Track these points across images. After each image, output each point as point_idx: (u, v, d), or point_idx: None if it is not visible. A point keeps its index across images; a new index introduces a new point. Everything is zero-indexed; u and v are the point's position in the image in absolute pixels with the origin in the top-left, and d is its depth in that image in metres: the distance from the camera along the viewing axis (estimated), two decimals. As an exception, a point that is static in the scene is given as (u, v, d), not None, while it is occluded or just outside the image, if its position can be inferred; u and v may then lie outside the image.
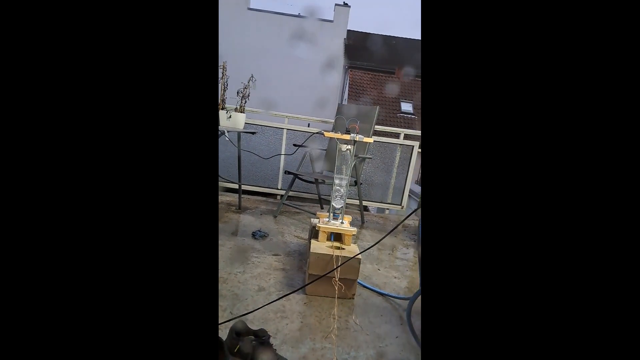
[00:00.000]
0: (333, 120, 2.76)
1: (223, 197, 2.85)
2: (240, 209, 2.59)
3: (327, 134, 1.59)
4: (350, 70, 11.48)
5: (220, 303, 1.25)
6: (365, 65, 11.51)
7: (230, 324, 0.97)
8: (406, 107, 11.02)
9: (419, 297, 1.25)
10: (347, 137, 1.53)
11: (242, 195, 2.68)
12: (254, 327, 0.99)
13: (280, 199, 2.70)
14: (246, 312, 1.17)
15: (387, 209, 3.29)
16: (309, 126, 3.38)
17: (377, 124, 2.59)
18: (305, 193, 3.11)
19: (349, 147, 1.51)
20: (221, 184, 2.98)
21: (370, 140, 1.61)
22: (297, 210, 2.74)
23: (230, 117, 2.35)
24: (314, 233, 1.55)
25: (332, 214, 1.57)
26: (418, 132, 3.23)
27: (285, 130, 3.07)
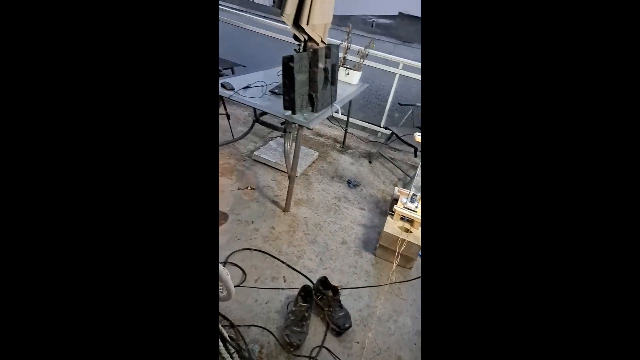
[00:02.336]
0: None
1: (331, 131, 3.31)
2: (343, 147, 3.04)
3: (417, 138, 1.83)
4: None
5: (314, 248, 1.83)
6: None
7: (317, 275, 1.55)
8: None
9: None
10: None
11: (348, 131, 3.09)
12: (332, 280, 1.55)
13: (380, 136, 3.05)
14: (331, 265, 1.74)
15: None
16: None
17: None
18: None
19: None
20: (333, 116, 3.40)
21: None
22: (392, 157, 3.09)
23: (347, 74, 2.63)
24: (392, 205, 1.96)
25: (410, 197, 1.94)
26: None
27: (397, 76, 3.21)
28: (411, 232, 1.84)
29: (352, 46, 2.70)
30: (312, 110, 1.90)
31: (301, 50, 2.08)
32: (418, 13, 9.19)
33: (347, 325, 1.39)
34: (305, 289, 1.47)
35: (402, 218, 1.90)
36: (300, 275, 1.64)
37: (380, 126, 3.46)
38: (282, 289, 1.54)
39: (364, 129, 3.54)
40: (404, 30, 7.22)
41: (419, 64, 3.24)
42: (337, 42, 2.46)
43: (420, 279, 1.76)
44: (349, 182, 2.51)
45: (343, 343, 1.37)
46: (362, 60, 2.69)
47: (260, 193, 2.18)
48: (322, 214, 2.11)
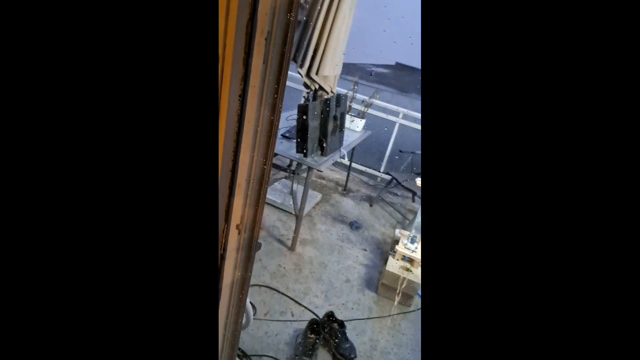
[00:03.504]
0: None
1: (333, 175, 3.54)
2: (345, 190, 3.26)
3: (418, 183, 2.05)
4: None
5: (319, 286, 1.97)
6: None
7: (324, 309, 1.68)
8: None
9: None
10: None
11: (350, 175, 3.32)
12: (339, 316, 1.68)
13: (380, 181, 3.27)
14: (335, 302, 1.88)
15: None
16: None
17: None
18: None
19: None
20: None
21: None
22: (391, 201, 3.30)
23: (352, 121, 2.90)
24: (393, 246, 2.13)
25: (410, 238, 2.12)
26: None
27: (397, 124, 3.51)
28: (411, 271, 1.99)
29: (357, 95, 3.00)
30: (322, 154, 2.13)
31: (311, 99, 2.35)
32: (415, 64, 9.84)
33: (352, 356, 1.51)
34: (313, 322, 1.60)
35: (403, 258, 2.06)
36: (307, 311, 1.77)
37: (380, 171, 3.70)
38: (291, 321, 1.67)
39: (363, 173, 3.78)
40: (402, 80, 7.73)
41: (417, 114, 3.55)
42: (344, 91, 2.75)
43: (418, 311, 1.89)
44: (351, 224, 2.68)
45: (349, 374, 1.48)
46: (366, 109, 2.97)
47: (267, 232, 2.34)
48: (327, 254, 2.26)
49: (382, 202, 3.23)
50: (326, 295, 1.91)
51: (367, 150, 3.71)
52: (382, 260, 2.31)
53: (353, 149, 2.92)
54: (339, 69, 2.45)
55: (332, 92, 2.40)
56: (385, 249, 2.46)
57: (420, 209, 2.05)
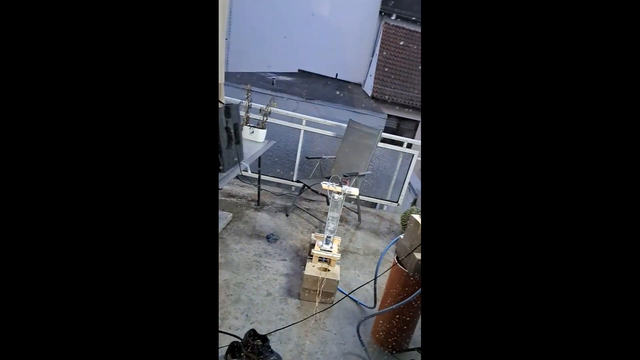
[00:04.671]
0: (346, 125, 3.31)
1: (244, 191, 3.53)
2: (259, 204, 3.27)
3: (324, 186, 2.16)
4: (385, 24, 11.31)
5: (238, 307, 1.96)
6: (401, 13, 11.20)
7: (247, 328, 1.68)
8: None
9: (372, 312, 1.90)
10: (339, 189, 2.11)
11: (262, 188, 3.35)
12: (262, 331, 1.70)
13: (294, 190, 3.35)
14: (258, 319, 1.88)
15: (385, 205, 3.91)
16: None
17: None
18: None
19: (340, 196, 2.10)
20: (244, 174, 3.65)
21: (356, 193, 2.18)
22: (307, 207, 3.40)
23: (252, 132, 2.94)
24: (310, 250, 2.21)
25: (324, 240, 2.21)
26: (419, 142, 3.71)
27: (302, 131, 3.63)
28: (329, 270, 2.08)
29: (254, 104, 3.03)
30: (219, 170, 2.13)
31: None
32: (317, 70, 10.21)
33: (278, 367, 1.53)
34: (233, 345, 1.59)
35: (320, 259, 2.15)
36: (227, 336, 1.75)
37: (293, 180, 3.79)
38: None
39: (278, 184, 3.84)
40: (306, 87, 8.00)
41: (321, 120, 3.72)
42: (238, 101, 2.77)
43: (339, 304, 1.99)
44: (268, 238, 2.71)
45: (277, 385, 1.50)
46: (265, 118, 3.02)
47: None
48: (244, 273, 2.26)
49: (298, 210, 3.31)
50: (247, 314, 1.90)
51: (277, 161, 3.78)
52: (302, 267, 2.37)
53: (259, 161, 2.96)
54: (221, 77, 2.44)
55: (221, 102, 2.40)
56: (305, 255, 2.53)
57: (329, 209, 2.16)
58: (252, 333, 1.66)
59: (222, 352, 1.62)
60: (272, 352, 1.61)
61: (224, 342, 1.70)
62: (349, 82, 11.08)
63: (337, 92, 8.77)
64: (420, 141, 3.71)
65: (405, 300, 1.54)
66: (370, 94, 10.04)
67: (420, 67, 10.39)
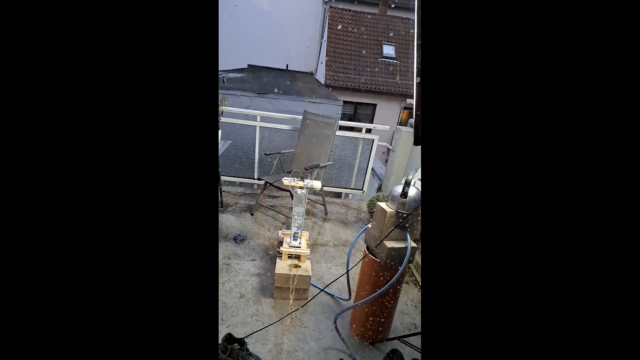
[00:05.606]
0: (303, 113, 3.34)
1: (206, 194, 3.49)
2: (222, 206, 3.25)
3: (285, 182, 2.19)
4: (330, 8, 11.37)
5: (214, 311, 1.97)
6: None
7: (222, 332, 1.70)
8: (388, 50, 11.13)
9: (347, 306, 1.98)
10: (301, 184, 2.16)
11: (223, 190, 3.33)
12: (238, 334, 1.72)
13: (257, 188, 3.35)
14: (233, 322, 1.90)
15: (350, 193, 4.01)
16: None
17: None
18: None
19: (303, 190, 2.15)
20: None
21: (319, 186, 2.23)
22: (271, 204, 3.42)
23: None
24: (279, 247, 2.25)
25: (292, 236, 2.26)
26: (378, 126, 3.82)
27: (257, 128, 3.63)
28: (300, 266, 2.13)
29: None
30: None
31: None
32: (266, 63, 10.14)
33: (259, 368, 1.57)
34: (211, 351, 1.61)
35: (290, 256, 2.19)
36: (204, 341, 1.76)
37: (254, 178, 3.79)
38: None
39: (240, 184, 3.82)
40: (257, 82, 7.93)
41: (276, 114, 3.72)
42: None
43: (313, 300, 2.05)
44: (235, 239, 2.71)
45: (259, 385, 1.54)
46: (218, 118, 3.00)
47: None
48: (214, 277, 2.26)
49: (262, 208, 3.33)
50: (221, 319, 1.92)
51: (236, 160, 3.76)
52: (272, 265, 2.40)
53: (217, 162, 2.94)
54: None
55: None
56: (274, 253, 2.56)
57: (294, 205, 2.19)
58: (229, 337, 1.68)
59: None
60: (250, 354, 1.65)
61: (201, 350, 1.71)
62: (300, 72, 11.09)
63: (288, 83, 8.76)
64: (380, 125, 3.83)
65: (380, 290, 1.60)
66: (323, 82, 10.10)
67: (364, 51, 10.53)
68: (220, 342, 1.70)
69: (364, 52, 10.75)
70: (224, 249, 2.59)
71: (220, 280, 2.23)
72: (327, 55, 10.40)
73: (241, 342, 1.67)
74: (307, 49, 11.26)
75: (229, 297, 2.09)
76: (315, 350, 1.76)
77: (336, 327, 1.85)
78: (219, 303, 2.03)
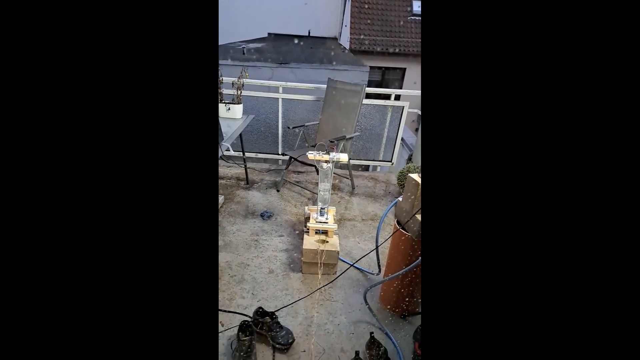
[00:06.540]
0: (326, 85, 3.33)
1: (231, 171, 3.59)
2: (248, 183, 3.34)
3: (310, 156, 2.21)
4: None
5: (244, 287, 2.07)
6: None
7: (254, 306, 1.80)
8: (419, 7, 10.63)
9: (380, 278, 2.03)
10: (326, 158, 2.18)
11: (249, 167, 3.41)
12: (269, 307, 1.82)
13: (282, 163, 3.41)
14: (264, 296, 2.00)
15: (378, 166, 3.99)
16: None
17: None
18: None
19: (329, 165, 2.18)
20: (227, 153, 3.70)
21: (345, 159, 2.24)
22: (297, 180, 3.48)
23: (229, 109, 2.95)
24: (305, 223, 2.31)
25: (319, 212, 2.31)
26: (408, 92, 3.75)
27: (280, 100, 3.64)
28: (327, 241, 2.19)
29: (225, 79, 2.99)
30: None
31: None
32: (287, 31, 9.98)
33: (290, 341, 1.66)
34: (243, 324, 1.71)
35: (317, 232, 2.25)
36: (237, 315, 1.87)
37: (279, 153, 3.84)
38: (222, 332, 1.76)
39: (265, 160, 3.89)
40: (278, 51, 7.86)
41: (299, 84, 3.71)
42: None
43: (343, 275, 2.12)
44: (262, 215, 2.80)
45: (291, 356, 1.64)
46: (239, 92, 3.01)
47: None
48: (244, 253, 2.36)
49: (288, 184, 3.39)
50: (252, 293, 2.02)
51: (260, 136, 3.82)
52: (300, 241, 2.48)
53: (241, 137, 3.00)
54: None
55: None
56: (301, 229, 2.63)
57: (319, 180, 2.23)
58: (260, 311, 1.78)
59: (233, 331, 1.74)
60: (281, 327, 1.74)
61: (235, 321, 1.82)
62: (323, 38, 10.86)
63: (311, 49, 8.62)
64: (409, 91, 3.75)
65: (412, 265, 1.62)
66: (348, 47, 9.88)
67: (392, 10, 10.04)
68: (251, 315, 1.80)
69: (392, 10, 10.33)
70: (252, 225, 2.69)
71: (250, 256, 2.33)
72: (351, 17, 10.10)
73: (272, 315, 1.76)
74: (330, 12, 10.96)
75: (259, 272, 2.19)
76: (345, 323, 1.84)
77: (366, 301, 1.91)
78: (249, 278, 2.13)
